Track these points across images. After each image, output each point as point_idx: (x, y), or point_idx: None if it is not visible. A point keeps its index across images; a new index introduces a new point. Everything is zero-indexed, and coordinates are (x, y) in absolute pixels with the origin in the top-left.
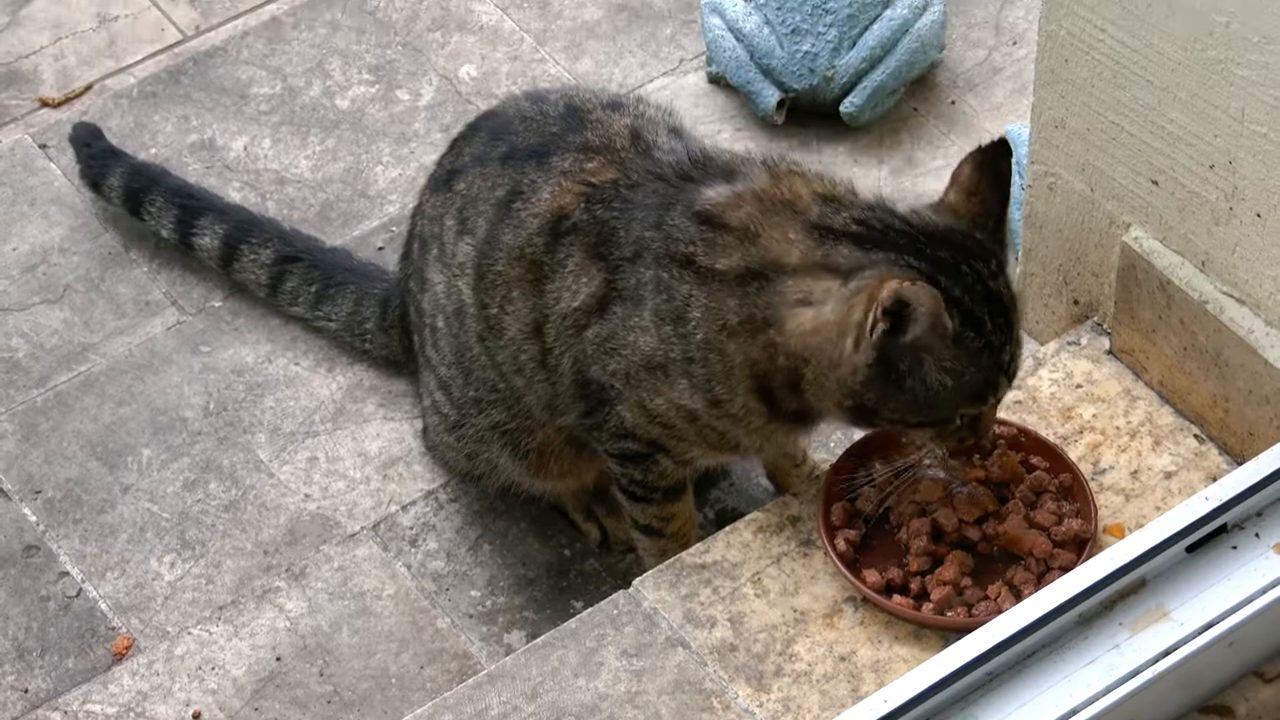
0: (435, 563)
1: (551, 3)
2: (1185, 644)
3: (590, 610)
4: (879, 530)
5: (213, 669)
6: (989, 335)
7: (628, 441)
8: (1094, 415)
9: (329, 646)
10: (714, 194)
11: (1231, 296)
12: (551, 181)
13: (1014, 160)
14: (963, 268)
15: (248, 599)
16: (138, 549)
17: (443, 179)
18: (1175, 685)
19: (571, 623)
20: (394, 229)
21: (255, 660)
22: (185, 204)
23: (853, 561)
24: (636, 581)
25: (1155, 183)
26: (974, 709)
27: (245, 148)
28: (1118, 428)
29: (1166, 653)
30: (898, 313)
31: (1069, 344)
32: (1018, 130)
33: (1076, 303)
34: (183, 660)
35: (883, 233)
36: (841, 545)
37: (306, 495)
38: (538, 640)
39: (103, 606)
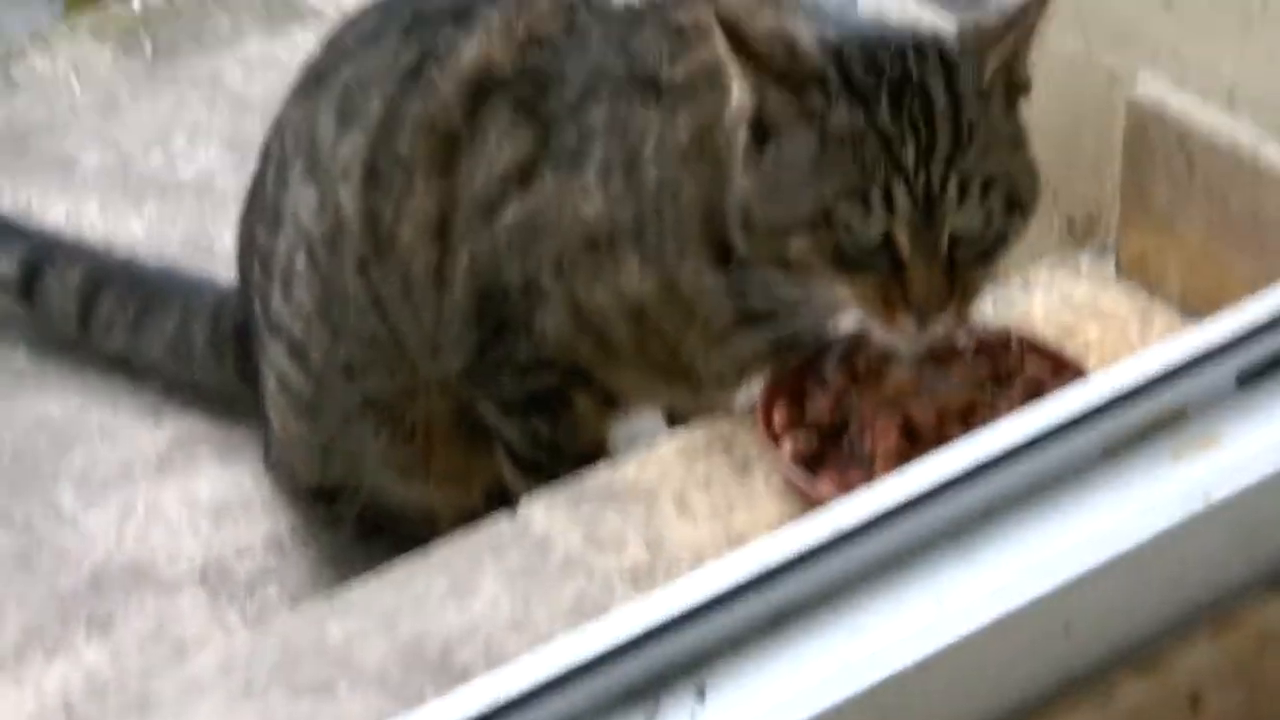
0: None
1: None
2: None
3: (461, 538)
4: (835, 445)
5: None
6: (879, 116)
7: (541, 374)
8: (1102, 332)
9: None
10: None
11: (1271, 131)
12: (476, 35)
13: None
14: (889, 46)
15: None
16: None
17: (312, 80)
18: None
19: (441, 549)
20: None
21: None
22: None
23: (805, 473)
24: (522, 507)
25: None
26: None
27: (67, 214)
28: (1132, 345)
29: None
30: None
31: (1064, 268)
32: None
33: (1072, 222)
34: None
35: None
36: (789, 450)
37: (117, 544)
38: (394, 571)
39: None
